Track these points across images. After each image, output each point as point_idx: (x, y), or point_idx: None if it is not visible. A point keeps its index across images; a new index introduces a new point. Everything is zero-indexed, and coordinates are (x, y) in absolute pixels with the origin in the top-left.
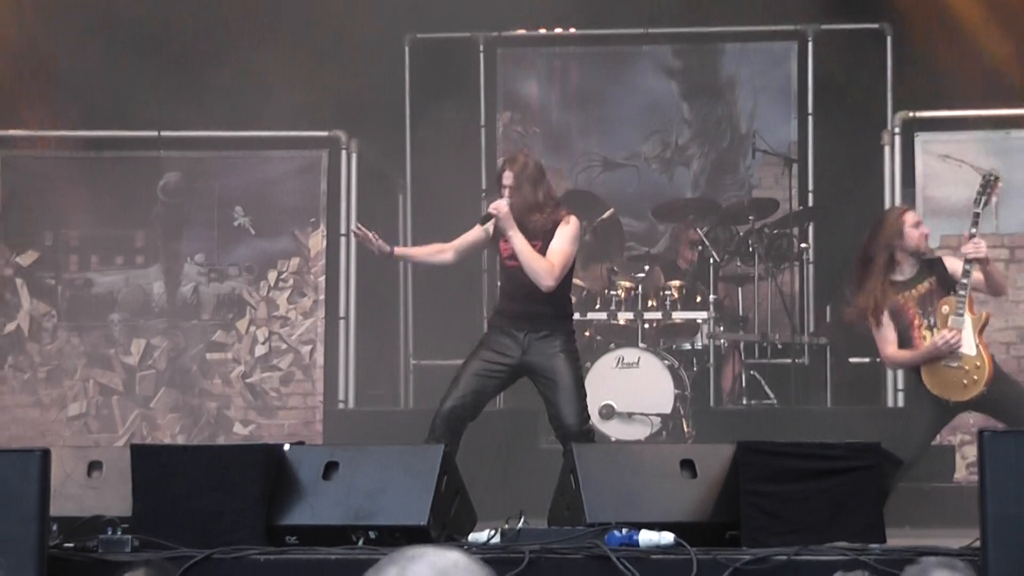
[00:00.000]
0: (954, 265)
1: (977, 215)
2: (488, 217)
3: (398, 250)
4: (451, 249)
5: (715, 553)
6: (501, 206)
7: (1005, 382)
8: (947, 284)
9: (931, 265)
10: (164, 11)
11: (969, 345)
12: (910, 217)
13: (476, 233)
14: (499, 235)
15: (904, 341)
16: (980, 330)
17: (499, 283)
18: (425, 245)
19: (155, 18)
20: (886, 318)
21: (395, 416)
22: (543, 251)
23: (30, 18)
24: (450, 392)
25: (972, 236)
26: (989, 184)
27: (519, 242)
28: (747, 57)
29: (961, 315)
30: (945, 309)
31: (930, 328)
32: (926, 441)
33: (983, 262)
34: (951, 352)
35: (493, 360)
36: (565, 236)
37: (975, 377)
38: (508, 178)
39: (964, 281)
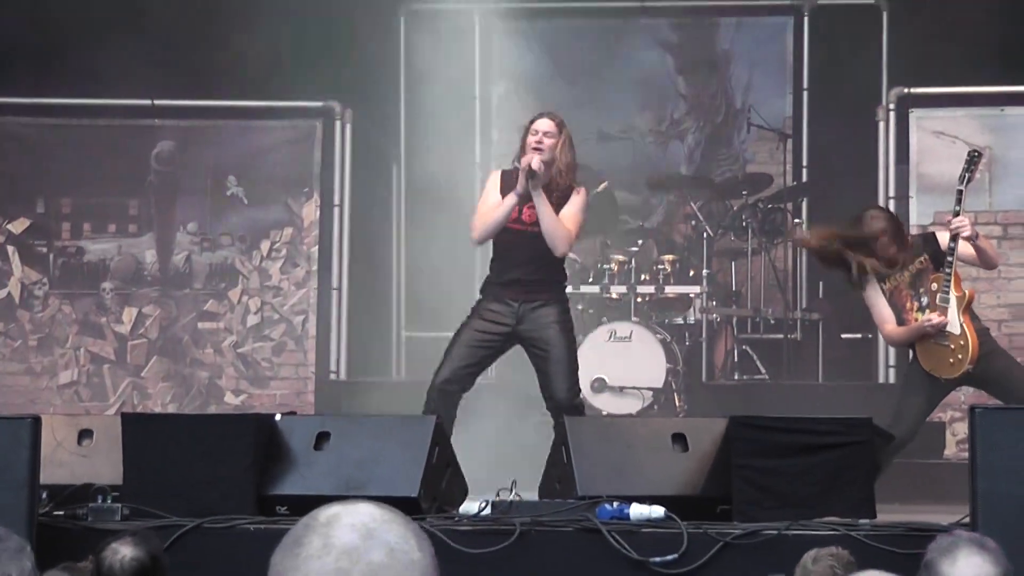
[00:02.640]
0: (945, 239)
1: (961, 192)
2: (533, 173)
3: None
4: None
5: (706, 527)
6: (541, 163)
7: (998, 357)
8: (940, 259)
9: (924, 241)
10: None
11: (954, 324)
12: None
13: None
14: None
15: (899, 322)
16: (965, 308)
17: (493, 250)
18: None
19: None
20: (882, 297)
21: (387, 387)
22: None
23: None
24: (443, 364)
25: (956, 213)
26: (973, 161)
27: (544, 204)
28: (743, 31)
29: (947, 293)
30: (933, 287)
31: (921, 309)
32: (920, 417)
33: (971, 238)
34: (937, 332)
35: (485, 330)
36: (579, 204)
37: (959, 356)
38: (546, 124)
39: (949, 259)
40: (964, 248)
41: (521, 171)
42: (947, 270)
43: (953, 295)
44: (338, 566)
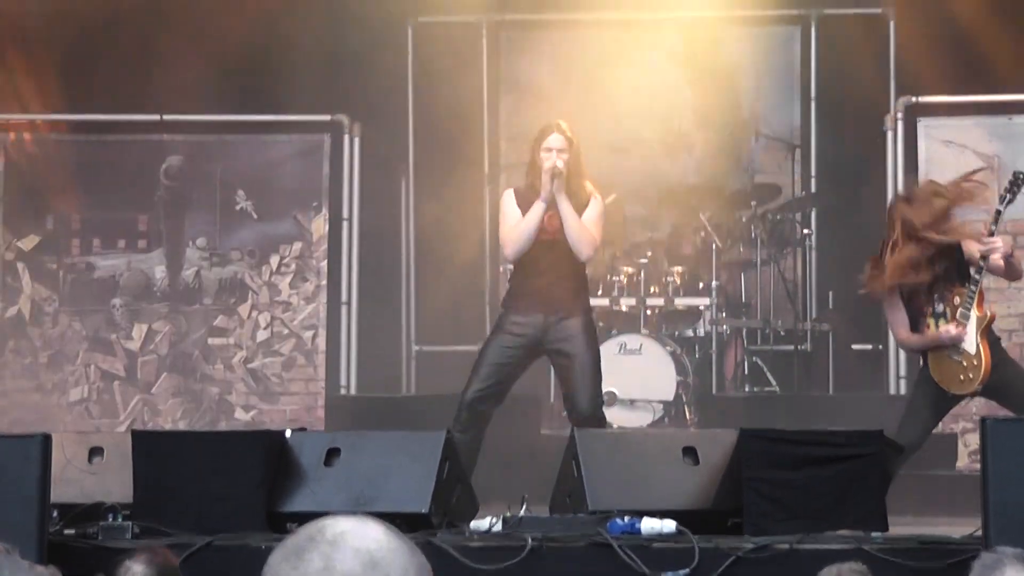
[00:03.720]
0: (971, 250)
1: (999, 212)
2: (554, 175)
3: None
4: None
5: (717, 541)
6: (564, 165)
7: (1009, 366)
8: (962, 270)
9: (949, 248)
10: None
11: (970, 342)
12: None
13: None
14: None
15: (914, 327)
16: (983, 329)
17: (513, 264)
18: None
19: (157, 2)
20: (900, 301)
21: (397, 402)
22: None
23: (32, 2)
24: (472, 381)
25: (992, 233)
26: (1017, 183)
27: (568, 208)
28: (750, 42)
29: (968, 309)
30: (955, 300)
31: (935, 316)
32: (928, 426)
33: (1007, 255)
34: (951, 344)
35: (511, 344)
36: (598, 210)
37: (971, 375)
38: (559, 141)
39: (976, 276)
40: (993, 261)
41: (545, 173)
42: (972, 287)
43: (974, 313)
44: None
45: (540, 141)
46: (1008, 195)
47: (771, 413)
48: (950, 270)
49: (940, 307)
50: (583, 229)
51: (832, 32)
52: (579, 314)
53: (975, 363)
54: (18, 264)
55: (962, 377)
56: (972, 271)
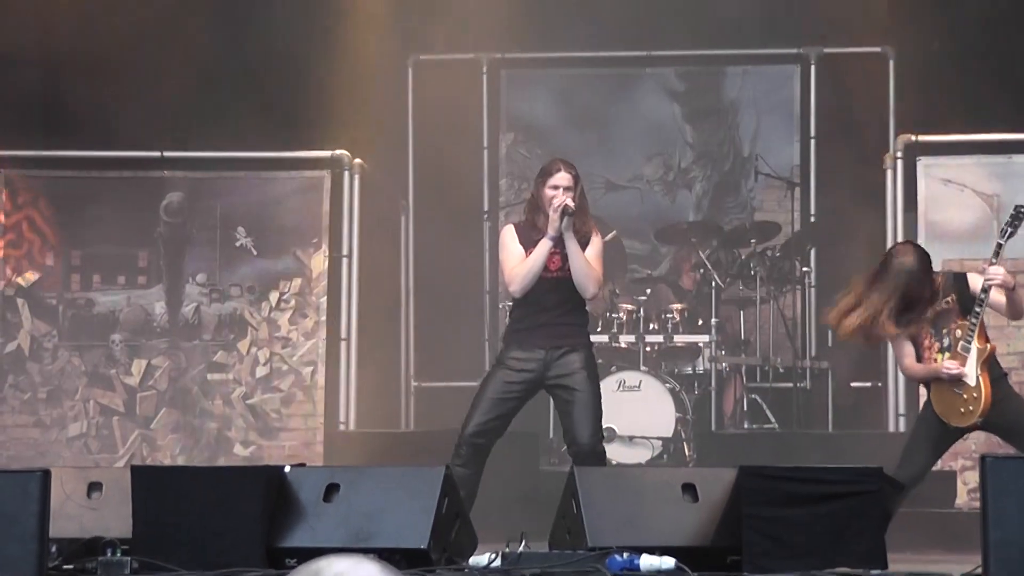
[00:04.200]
0: (976, 284)
1: (1000, 246)
2: (570, 211)
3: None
4: None
5: None
6: (572, 202)
7: (1011, 401)
8: (966, 303)
9: (954, 280)
10: (167, 33)
11: (971, 375)
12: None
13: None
14: (527, 247)
15: (919, 359)
16: (984, 361)
17: (515, 299)
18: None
19: (157, 39)
20: (900, 339)
21: (396, 438)
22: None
23: (34, 38)
24: (471, 415)
25: (992, 263)
26: (1019, 217)
27: (575, 246)
28: (750, 80)
29: (969, 342)
30: (958, 333)
31: (943, 350)
32: (929, 461)
33: (1006, 286)
34: (957, 380)
35: (511, 380)
36: (599, 247)
37: (971, 407)
38: (567, 180)
39: (978, 309)
40: (995, 296)
41: (555, 211)
42: (973, 320)
43: (975, 346)
44: None
45: (545, 178)
46: (1009, 228)
47: (770, 450)
48: (954, 304)
49: (946, 341)
50: (589, 267)
51: (832, 70)
52: (580, 349)
53: (975, 395)
54: (18, 299)
55: (962, 409)
56: (975, 304)
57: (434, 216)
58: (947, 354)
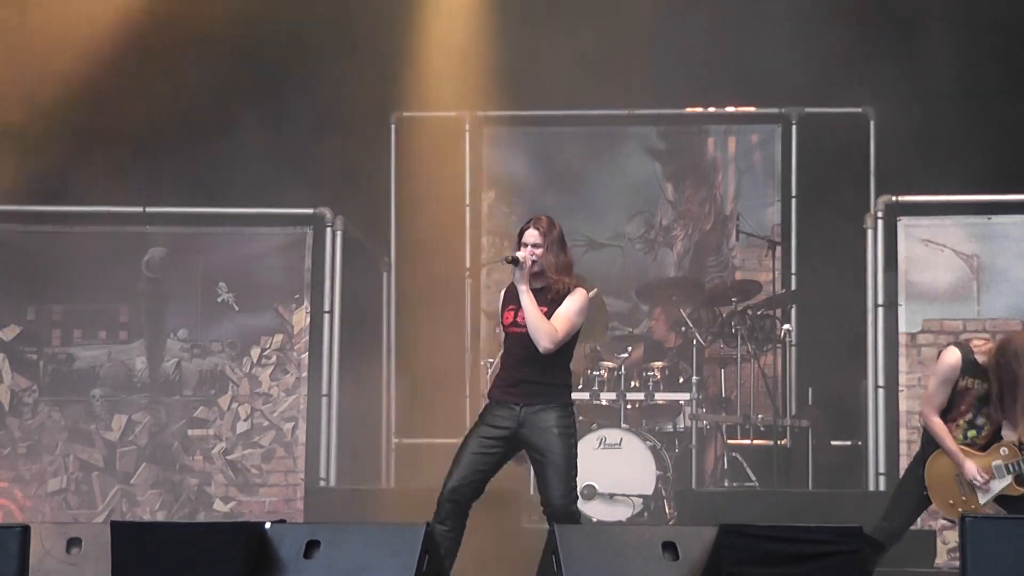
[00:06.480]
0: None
1: None
2: (515, 260)
3: None
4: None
5: None
6: (528, 256)
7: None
8: (1012, 389)
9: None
10: (150, 86)
11: (985, 497)
12: None
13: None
14: (507, 304)
15: (946, 415)
16: (1004, 497)
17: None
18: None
19: (140, 92)
20: (951, 384)
21: (377, 495)
22: (548, 316)
23: (15, 91)
24: (452, 472)
25: None
26: None
27: (528, 300)
28: (731, 139)
29: (1007, 473)
30: (1004, 451)
31: (968, 426)
32: (913, 517)
33: None
34: (967, 481)
35: (489, 435)
36: (573, 305)
37: (959, 510)
38: (534, 236)
39: None
40: None
41: (503, 260)
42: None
43: (1010, 479)
44: None
45: (520, 236)
46: None
47: (751, 509)
48: (1008, 401)
49: (980, 420)
50: (540, 320)
51: (812, 130)
52: (555, 408)
53: (972, 507)
54: None
55: (951, 502)
56: None
57: (416, 273)
58: (972, 432)
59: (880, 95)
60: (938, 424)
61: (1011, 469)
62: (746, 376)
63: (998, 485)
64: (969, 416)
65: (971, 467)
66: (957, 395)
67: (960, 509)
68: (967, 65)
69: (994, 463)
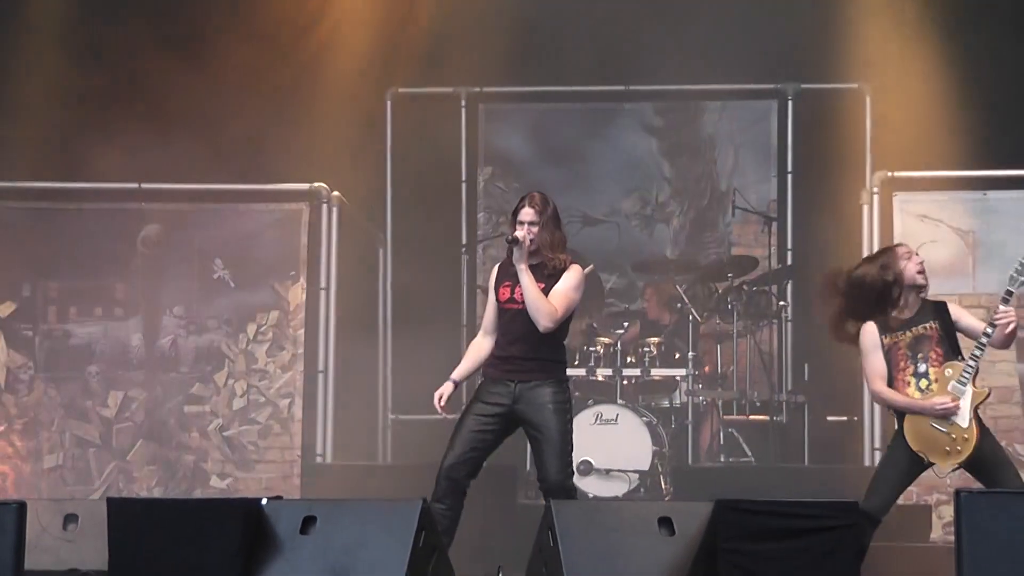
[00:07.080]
0: (959, 315)
1: (1010, 293)
2: (515, 241)
3: (456, 377)
4: (486, 335)
5: None
6: (526, 235)
7: (989, 441)
8: (949, 331)
9: (935, 308)
10: (147, 63)
11: (963, 416)
12: (902, 250)
13: (494, 303)
14: (501, 281)
15: (889, 380)
16: (978, 405)
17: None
18: (467, 356)
19: (137, 68)
20: (880, 350)
21: (373, 471)
22: (546, 293)
23: (13, 67)
24: (448, 450)
25: (1006, 301)
26: None
27: (527, 279)
28: (727, 115)
29: (964, 384)
30: (948, 372)
31: (916, 376)
32: (897, 492)
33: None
34: (940, 415)
35: (485, 412)
36: (570, 282)
37: (959, 448)
38: (529, 215)
39: (976, 353)
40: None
41: (504, 239)
42: (971, 363)
43: (970, 388)
44: None
45: (515, 214)
46: (1020, 277)
47: (747, 484)
48: (935, 331)
49: (923, 367)
50: (540, 300)
51: (809, 106)
52: (550, 384)
53: (965, 437)
54: None
55: (948, 448)
56: (975, 344)
57: (412, 249)
58: (923, 381)
59: (876, 71)
60: (887, 391)
61: (965, 378)
62: (742, 352)
63: (966, 400)
64: (911, 368)
65: (932, 401)
66: (889, 357)
67: (958, 447)
68: (962, 41)
69: (950, 386)
